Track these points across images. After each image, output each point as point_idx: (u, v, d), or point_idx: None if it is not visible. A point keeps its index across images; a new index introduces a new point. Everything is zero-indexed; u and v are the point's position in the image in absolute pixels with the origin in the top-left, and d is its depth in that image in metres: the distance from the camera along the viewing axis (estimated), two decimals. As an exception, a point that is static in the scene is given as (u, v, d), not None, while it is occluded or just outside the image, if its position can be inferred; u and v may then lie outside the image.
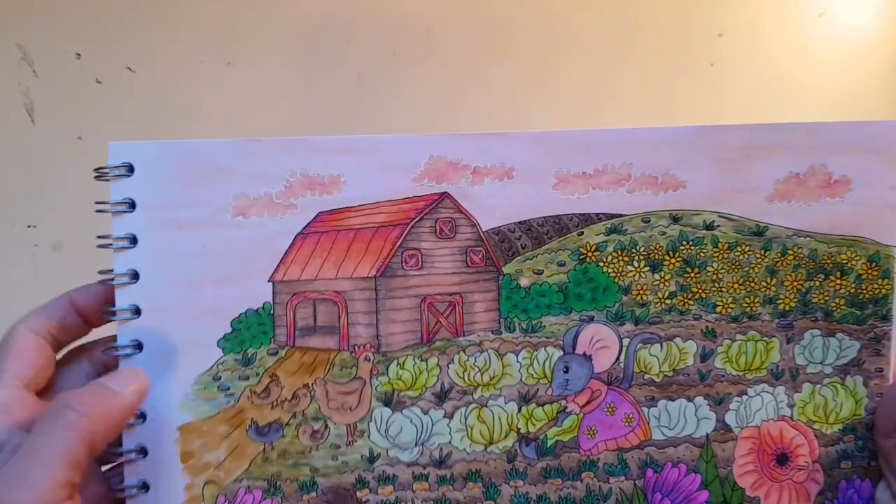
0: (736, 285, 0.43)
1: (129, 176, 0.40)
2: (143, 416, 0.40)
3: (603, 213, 0.42)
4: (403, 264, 0.42)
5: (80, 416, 0.35)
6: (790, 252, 0.43)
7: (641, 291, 0.43)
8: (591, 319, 0.43)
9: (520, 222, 0.42)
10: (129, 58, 0.62)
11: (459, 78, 0.67)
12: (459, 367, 0.42)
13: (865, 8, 0.73)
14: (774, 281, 0.43)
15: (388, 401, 0.42)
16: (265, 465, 0.41)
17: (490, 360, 0.42)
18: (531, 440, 0.42)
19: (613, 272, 0.43)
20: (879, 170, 0.42)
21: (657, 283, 0.43)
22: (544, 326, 0.42)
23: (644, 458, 0.42)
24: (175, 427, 0.41)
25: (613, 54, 0.70)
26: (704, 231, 0.43)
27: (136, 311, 0.40)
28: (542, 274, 0.42)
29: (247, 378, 0.41)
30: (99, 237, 0.40)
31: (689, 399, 0.42)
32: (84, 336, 0.42)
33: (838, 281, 0.43)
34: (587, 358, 0.42)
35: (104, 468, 0.41)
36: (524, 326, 0.42)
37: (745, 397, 0.42)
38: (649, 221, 0.43)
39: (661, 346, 0.42)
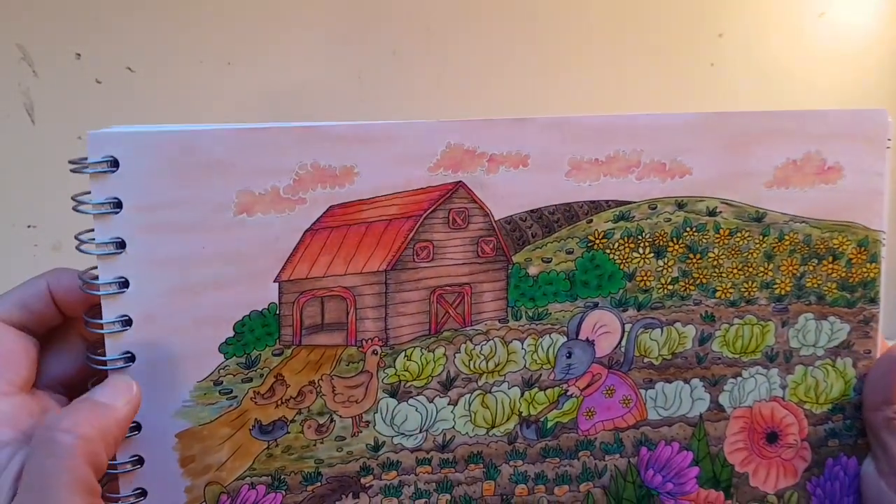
0: (735, 271, 0.43)
1: (113, 171, 0.35)
2: (137, 427, 0.37)
3: (612, 200, 0.42)
4: (415, 257, 0.40)
5: (75, 438, 0.32)
6: (786, 237, 0.44)
7: (645, 278, 0.43)
8: (596, 306, 0.42)
9: (531, 210, 0.41)
10: (129, 58, 0.59)
11: (460, 78, 0.65)
12: (466, 355, 0.41)
13: (865, 8, 0.74)
14: (771, 266, 0.44)
15: (394, 392, 0.41)
16: (269, 462, 0.40)
17: (496, 347, 0.42)
18: (532, 422, 0.43)
19: (619, 259, 0.42)
20: (868, 156, 0.43)
21: (661, 269, 0.43)
22: (550, 314, 0.42)
23: (639, 436, 0.44)
24: (173, 434, 0.38)
25: (613, 55, 0.69)
26: (707, 217, 0.43)
27: (127, 322, 0.36)
28: (550, 262, 0.42)
29: (250, 380, 0.39)
30: (79, 239, 0.35)
31: (686, 381, 0.44)
32: (57, 325, 0.39)
33: (830, 265, 0.44)
34: (590, 343, 0.43)
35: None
36: (530, 314, 0.42)
37: (739, 379, 0.44)
38: (656, 208, 0.42)
39: (662, 331, 0.43)
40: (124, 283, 0.36)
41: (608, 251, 0.42)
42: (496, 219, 0.40)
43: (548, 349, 0.42)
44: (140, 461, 0.38)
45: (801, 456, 0.45)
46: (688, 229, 0.43)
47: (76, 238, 0.35)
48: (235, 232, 0.37)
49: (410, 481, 0.42)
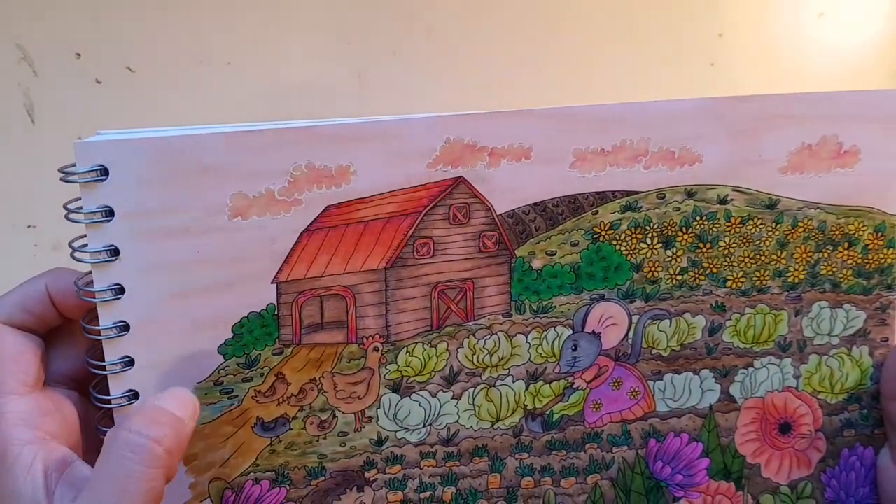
0: (747, 259, 0.42)
1: (103, 180, 0.34)
2: None
3: (619, 191, 0.40)
4: (415, 253, 0.39)
5: (164, 451, 0.32)
6: (800, 224, 0.42)
7: (653, 268, 0.42)
8: (602, 298, 0.42)
9: (535, 203, 0.40)
10: (129, 58, 0.58)
11: (460, 78, 0.64)
12: (469, 350, 0.41)
13: (865, 8, 0.72)
14: (784, 254, 0.42)
15: (396, 387, 0.40)
16: (272, 458, 0.40)
17: (499, 342, 0.41)
18: (537, 415, 0.42)
19: (626, 250, 0.41)
20: (884, 139, 0.42)
21: (669, 259, 0.42)
22: (555, 307, 0.41)
23: (647, 428, 0.43)
24: (176, 435, 0.38)
25: (613, 55, 0.68)
26: (718, 205, 0.41)
27: (124, 327, 0.36)
28: (555, 255, 0.41)
29: (250, 379, 0.38)
30: (73, 247, 0.35)
31: (696, 372, 0.43)
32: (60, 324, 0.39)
33: (846, 252, 0.43)
34: (596, 335, 0.42)
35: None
36: (535, 308, 0.41)
37: (750, 369, 0.43)
38: (664, 197, 0.41)
39: (670, 322, 0.42)
40: (120, 290, 0.35)
41: (614, 242, 0.41)
42: (498, 213, 0.39)
43: (553, 342, 0.42)
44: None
45: (816, 446, 0.44)
46: (697, 218, 0.41)
47: (70, 246, 0.35)
48: (230, 235, 0.36)
49: (415, 475, 0.42)
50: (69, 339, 0.39)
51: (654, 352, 0.42)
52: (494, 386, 0.41)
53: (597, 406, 0.43)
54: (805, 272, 0.43)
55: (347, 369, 0.40)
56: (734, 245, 0.42)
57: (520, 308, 0.41)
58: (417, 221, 0.38)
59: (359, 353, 0.40)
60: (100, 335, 0.35)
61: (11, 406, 0.34)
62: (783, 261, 0.43)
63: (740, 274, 0.42)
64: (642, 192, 0.41)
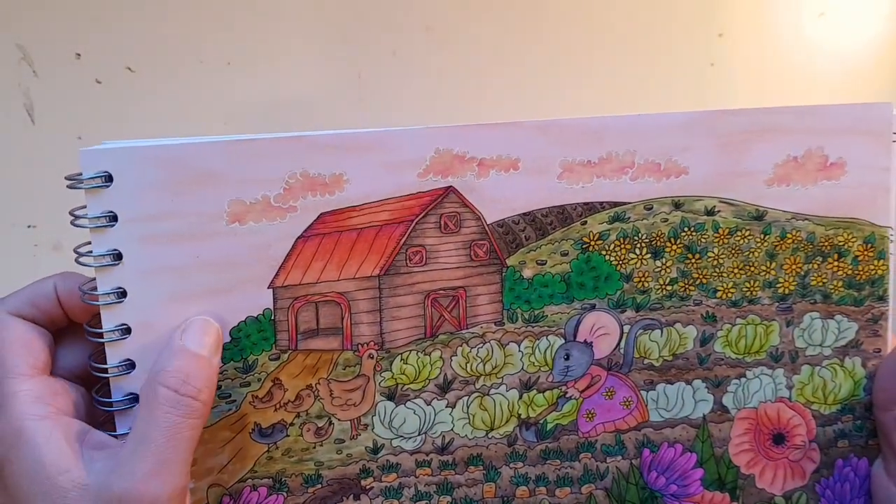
0: (736, 270, 0.43)
1: (107, 186, 0.36)
2: None
3: (606, 202, 0.42)
4: (407, 262, 0.40)
5: (202, 404, 0.35)
6: (789, 236, 0.43)
7: (643, 278, 0.43)
8: (593, 308, 0.42)
9: (524, 213, 0.41)
10: (129, 58, 0.59)
11: (460, 78, 0.65)
12: (462, 358, 0.42)
13: (865, 8, 0.72)
14: (774, 265, 0.43)
15: (391, 395, 0.41)
16: (270, 464, 0.41)
17: (492, 350, 0.42)
18: (531, 425, 0.43)
19: (615, 260, 0.42)
20: (871, 151, 0.42)
21: (658, 269, 0.43)
22: (546, 316, 0.42)
23: (641, 438, 0.44)
24: (175, 438, 0.39)
25: (613, 55, 0.69)
26: (705, 217, 0.42)
27: (126, 331, 0.37)
28: (545, 264, 0.42)
29: (248, 384, 0.40)
30: (78, 252, 0.37)
31: (688, 382, 0.43)
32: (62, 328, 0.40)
33: (836, 263, 0.43)
34: (588, 345, 0.43)
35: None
36: (526, 317, 0.42)
37: (743, 380, 0.44)
38: (652, 208, 0.42)
39: (662, 332, 0.43)
40: (122, 293, 0.37)
41: (604, 252, 0.42)
42: (489, 222, 0.41)
43: (545, 351, 0.42)
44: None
45: (810, 457, 0.44)
46: (685, 229, 0.42)
47: (74, 251, 0.37)
48: (228, 240, 0.38)
49: (410, 483, 0.42)
50: (75, 337, 0.40)
51: (646, 361, 0.43)
52: (488, 394, 0.42)
53: (590, 415, 0.43)
54: (795, 283, 0.43)
55: (343, 376, 0.41)
56: (723, 256, 0.43)
57: (512, 317, 0.42)
58: (409, 230, 0.40)
59: (354, 360, 0.41)
60: (102, 338, 0.37)
61: (24, 385, 0.35)
62: (772, 272, 0.43)
63: (730, 284, 0.43)
64: (630, 202, 0.42)
